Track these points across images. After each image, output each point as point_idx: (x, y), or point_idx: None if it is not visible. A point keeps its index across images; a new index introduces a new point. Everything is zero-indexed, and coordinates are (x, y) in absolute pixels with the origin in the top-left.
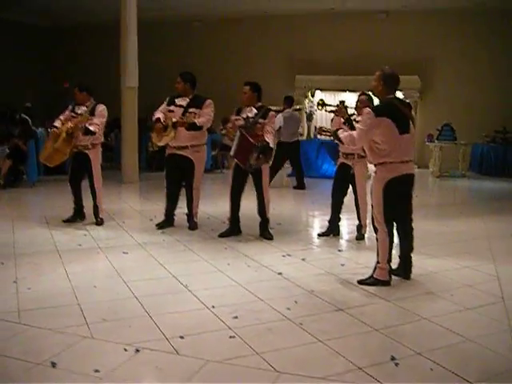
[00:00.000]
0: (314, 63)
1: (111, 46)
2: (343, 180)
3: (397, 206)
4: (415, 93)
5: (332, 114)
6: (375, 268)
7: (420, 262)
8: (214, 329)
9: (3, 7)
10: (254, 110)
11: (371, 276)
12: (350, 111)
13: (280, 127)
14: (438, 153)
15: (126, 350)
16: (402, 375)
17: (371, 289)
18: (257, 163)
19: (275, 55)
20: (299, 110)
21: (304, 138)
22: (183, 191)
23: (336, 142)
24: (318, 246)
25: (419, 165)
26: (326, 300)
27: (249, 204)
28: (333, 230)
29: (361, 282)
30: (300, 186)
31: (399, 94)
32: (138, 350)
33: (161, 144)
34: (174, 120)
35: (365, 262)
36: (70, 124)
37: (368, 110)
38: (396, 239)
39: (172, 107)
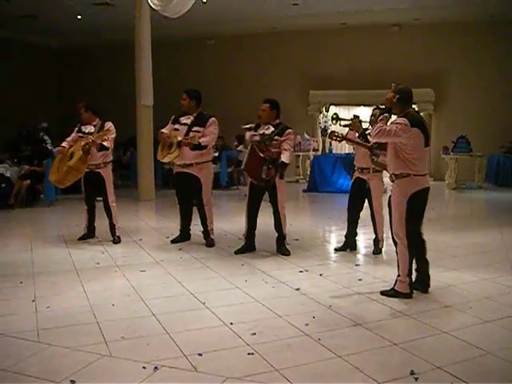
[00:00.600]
0: (328, 78)
1: (125, 65)
2: (359, 194)
3: (417, 219)
4: (429, 105)
5: (346, 129)
6: (396, 281)
7: (438, 275)
8: (232, 346)
9: (16, 29)
10: (272, 128)
11: (392, 288)
12: (365, 125)
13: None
14: (453, 165)
15: (144, 367)
16: None
17: (389, 303)
18: (267, 176)
19: (288, 71)
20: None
21: (319, 153)
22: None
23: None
24: (335, 261)
25: (435, 177)
26: (344, 315)
27: (265, 220)
28: (350, 245)
29: (383, 293)
30: None
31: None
32: (156, 368)
33: (164, 161)
34: (179, 139)
35: (382, 276)
36: (88, 139)
37: (403, 118)
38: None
39: (177, 126)
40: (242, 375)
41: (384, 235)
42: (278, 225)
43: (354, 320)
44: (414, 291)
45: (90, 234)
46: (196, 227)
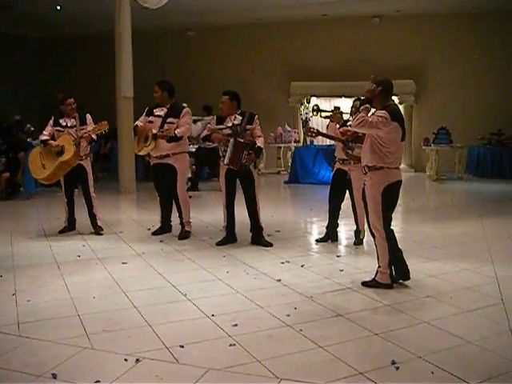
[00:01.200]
0: (309, 70)
1: (105, 56)
2: (340, 186)
3: (391, 211)
4: (410, 97)
5: (327, 120)
6: (377, 272)
7: (419, 266)
8: (214, 337)
9: None
10: (239, 117)
11: (373, 279)
12: (345, 117)
13: (199, 135)
14: (434, 156)
15: (126, 360)
16: (403, 379)
17: (370, 293)
18: (247, 160)
19: (270, 62)
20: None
21: (301, 144)
22: None
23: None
24: (317, 252)
25: (416, 168)
26: (326, 306)
27: (244, 212)
28: (331, 236)
29: (364, 284)
30: (194, 187)
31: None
32: (138, 360)
33: (141, 154)
34: (153, 132)
35: (363, 266)
36: (83, 133)
37: (383, 111)
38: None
39: (151, 118)
40: (224, 366)
41: (365, 226)
42: (255, 215)
43: (335, 311)
44: (396, 281)
45: (70, 227)
46: (177, 219)
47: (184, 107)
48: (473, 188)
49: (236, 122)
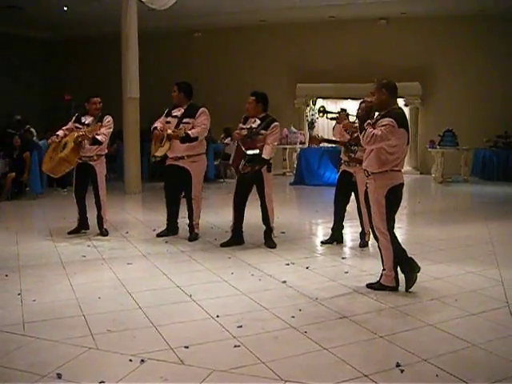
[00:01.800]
0: (315, 71)
1: (112, 57)
2: (345, 187)
3: (394, 213)
4: (416, 99)
5: (333, 122)
6: (382, 274)
7: (424, 268)
8: (218, 338)
9: (1, 20)
10: (258, 121)
11: (378, 281)
12: (352, 119)
13: None
14: (440, 159)
15: (131, 360)
16: (408, 382)
17: (375, 296)
18: (243, 170)
19: (276, 64)
20: None
21: (306, 146)
22: (184, 201)
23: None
24: (322, 253)
25: (421, 171)
26: (331, 308)
27: (252, 212)
28: (336, 238)
29: (369, 286)
30: None
31: (400, 101)
32: (143, 361)
33: (157, 155)
34: (168, 132)
35: (368, 269)
36: (80, 132)
37: (390, 119)
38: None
39: (169, 118)
40: (229, 368)
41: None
42: (266, 218)
43: (340, 313)
44: (401, 285)
45: (81, 228)
46: (183, 220)
47: (200, 107)
48: (478, 191)
49: (254, 126)
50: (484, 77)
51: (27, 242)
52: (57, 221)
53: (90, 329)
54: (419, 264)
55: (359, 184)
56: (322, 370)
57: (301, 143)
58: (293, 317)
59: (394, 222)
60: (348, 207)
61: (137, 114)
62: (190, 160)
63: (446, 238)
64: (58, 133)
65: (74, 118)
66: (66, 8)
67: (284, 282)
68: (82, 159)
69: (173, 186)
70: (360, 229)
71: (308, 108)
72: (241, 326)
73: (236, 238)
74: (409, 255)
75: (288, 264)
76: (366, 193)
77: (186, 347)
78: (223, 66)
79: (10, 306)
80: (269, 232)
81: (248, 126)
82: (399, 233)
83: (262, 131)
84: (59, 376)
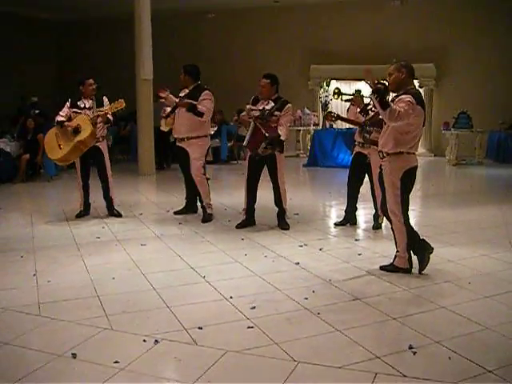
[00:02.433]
0: (329, 53)
1: (124, 39)
2: (359, 169)
3: (408, 195)
4: (431, 81)
5: (348, 104)
6: (395, 256)
7: (437, 251)
8: (232, 319)
9: (15, 2)
10: (271, 103)
11: (391, 263)
12: (366, 100)
13: None
14: (454, 141)
15: (145, 341)
16: (420, 364)
17: (388, 278)
18: (263, 153)
19: (289, 45)
20: None
21: (320, 127)
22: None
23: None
24: (335, 235)
25: (436, 153)
26: (344, 289)
27: (266, 194)
28: (349, 220)
29: (382, 268)
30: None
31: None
32: (156, 341)
33: (163, 129)
34: (176, 100)
35: (382, 251)
36: (100, 112)
37: (409, 97)
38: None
39: (176, 99)
40: (242, 348)
41: None
42: (278, 200)
43: (353, 294)
44: (414, 267)
45: (86, 211)
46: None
47: (205, 89)
48: (493, 173)
49: (267, 107)
50: (499, 58)
51: (42, 223)
52: (71, 202)
53: (104, 309)
54: (433, 246)
55: (373, 166)
56: (334, 352)
57: (314, 125)
58: (306, 298)
59: (408, 205)
60: (362, 189)
61: (150, 95)
62: (189, 142)
63: (459, 221)
64: (59, 119)
65: (68, 103)
66: None
67: (297, 263)
68: None
69: (182, 167)
70: (373, 211)
71: (322, 89)
72: (254, 308)
73: (249, 220)
74: (421, 237)
75: (301, 246)
76: (379, 175)
77: (200, 328)
78: (236, 47)
79: (26, 286)
80: (282, 214)
81: (261, 108)
82: (412, 215)
83: (276, 112)
84: (74, 356)
